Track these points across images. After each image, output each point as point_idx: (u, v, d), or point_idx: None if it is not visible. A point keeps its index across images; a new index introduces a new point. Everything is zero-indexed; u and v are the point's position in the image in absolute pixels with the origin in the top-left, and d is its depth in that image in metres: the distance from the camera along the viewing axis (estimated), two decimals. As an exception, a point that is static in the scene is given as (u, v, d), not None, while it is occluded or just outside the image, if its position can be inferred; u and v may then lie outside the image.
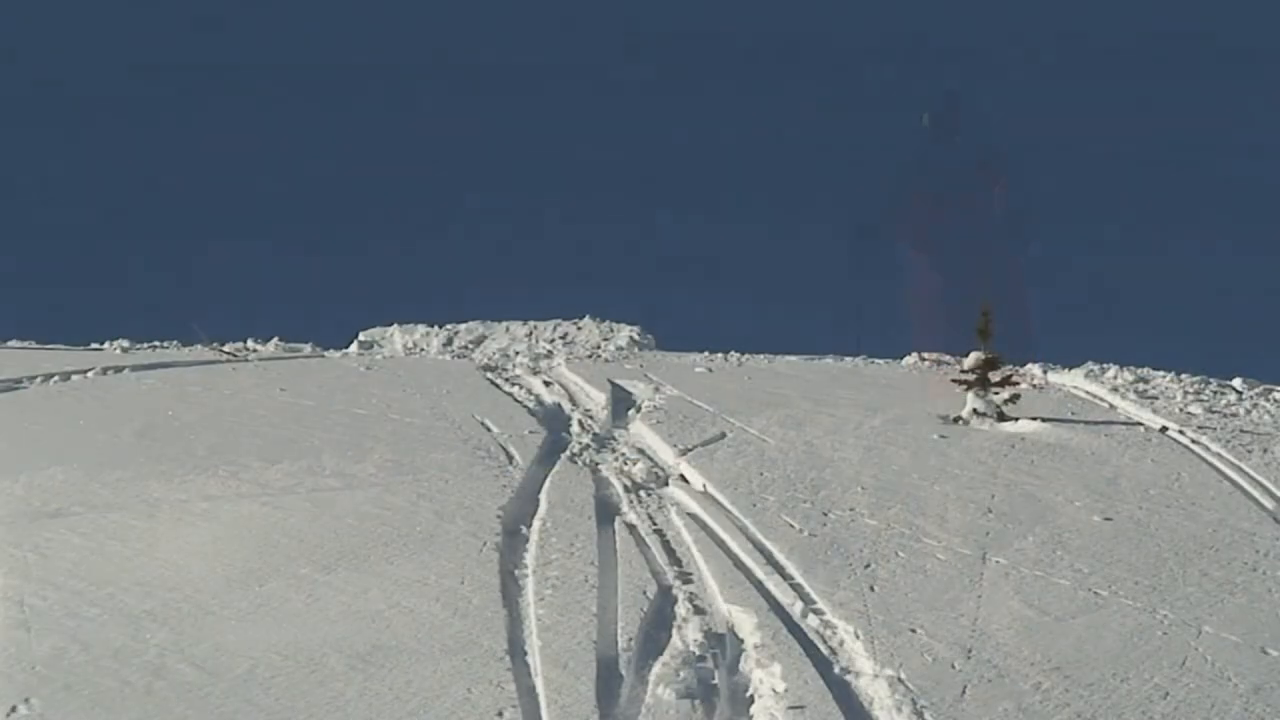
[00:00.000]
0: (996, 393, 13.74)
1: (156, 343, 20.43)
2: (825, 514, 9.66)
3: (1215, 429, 13.16)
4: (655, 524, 9.38)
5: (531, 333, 29.09)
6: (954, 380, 14.40)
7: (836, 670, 6.92)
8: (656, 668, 6.88)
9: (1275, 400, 15.46)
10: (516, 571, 8.25)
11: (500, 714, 6.30)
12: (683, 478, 10.88)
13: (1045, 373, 17.64)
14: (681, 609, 7.69)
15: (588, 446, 11.93)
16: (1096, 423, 13.55)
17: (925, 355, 19.93)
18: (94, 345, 20.07)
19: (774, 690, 6.62)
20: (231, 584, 7.90)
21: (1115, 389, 15.79)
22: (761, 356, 19.60)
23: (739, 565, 8.44)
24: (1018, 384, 14.48)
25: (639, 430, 12.78)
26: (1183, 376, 16.79)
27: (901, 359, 20.01)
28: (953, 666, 6.94)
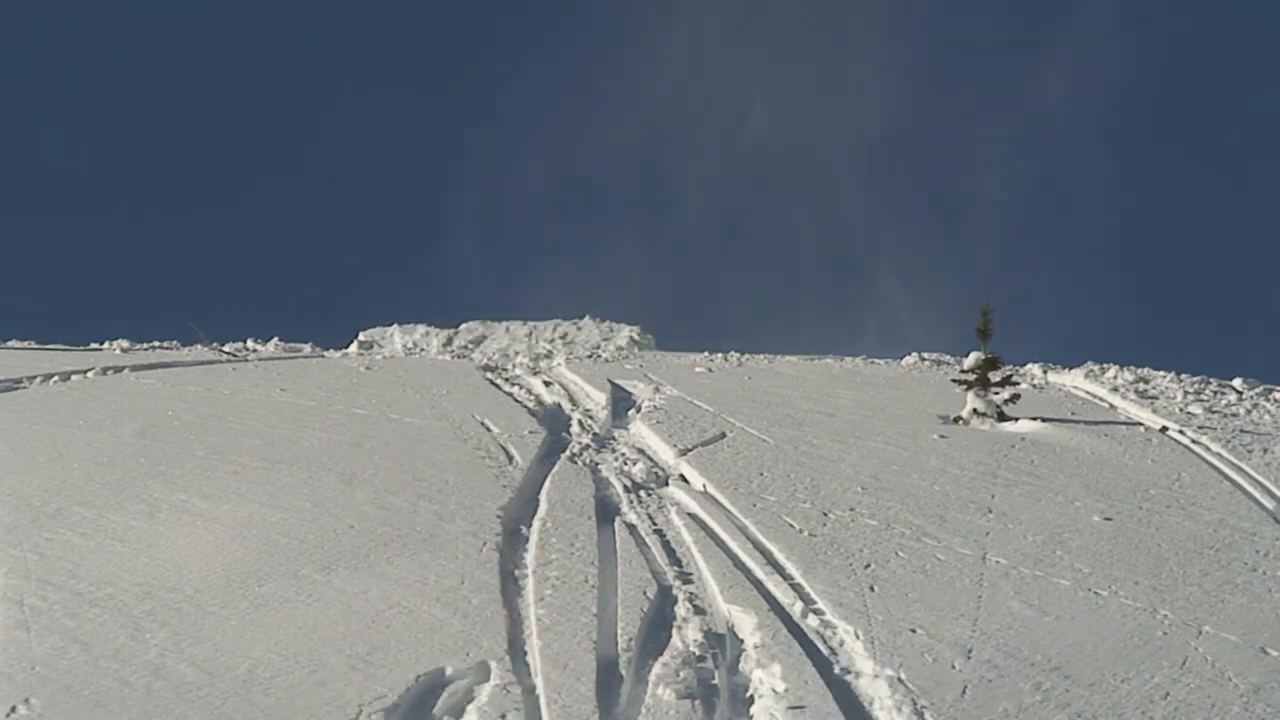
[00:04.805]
0: (996, 393, 13.75)
1: (156, 343, 20.47)
2: (825, 514, 9.66)
3: (1215, 429, 13.16)
4: (655, 524, 9.38)
5: (531, 333, 29.14)
6: (954, 380, 14.42)
7: (836, 670, 6.92)
8: (656, 668, 6.88)
9: (1275, 400, 15.47)
10: (516, 571, 8.24)
11: (502, 715, 6.30)
12: (683, 478, 10.87)
13: (1045, 373, 17.66)
14: (681, 609, 7.69)
15: (588, 446, 11.93)
16: (1096, 423, 13.55)
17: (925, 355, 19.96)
18: (94, 345, 20.10)
19: (774, 690, 6.62)
20: (231, 584, 7.89)
21: (1115, 389, 15.80)
22: (761, 356, 19.62)
23: (739, 565, 8.44)
24: (1018, 384, 14.49)
25: (639, 430, 12.78)
26: (1183, 376, 16.81)
27: (901, 359, 20.04)
28: (953, 666, 6.94)
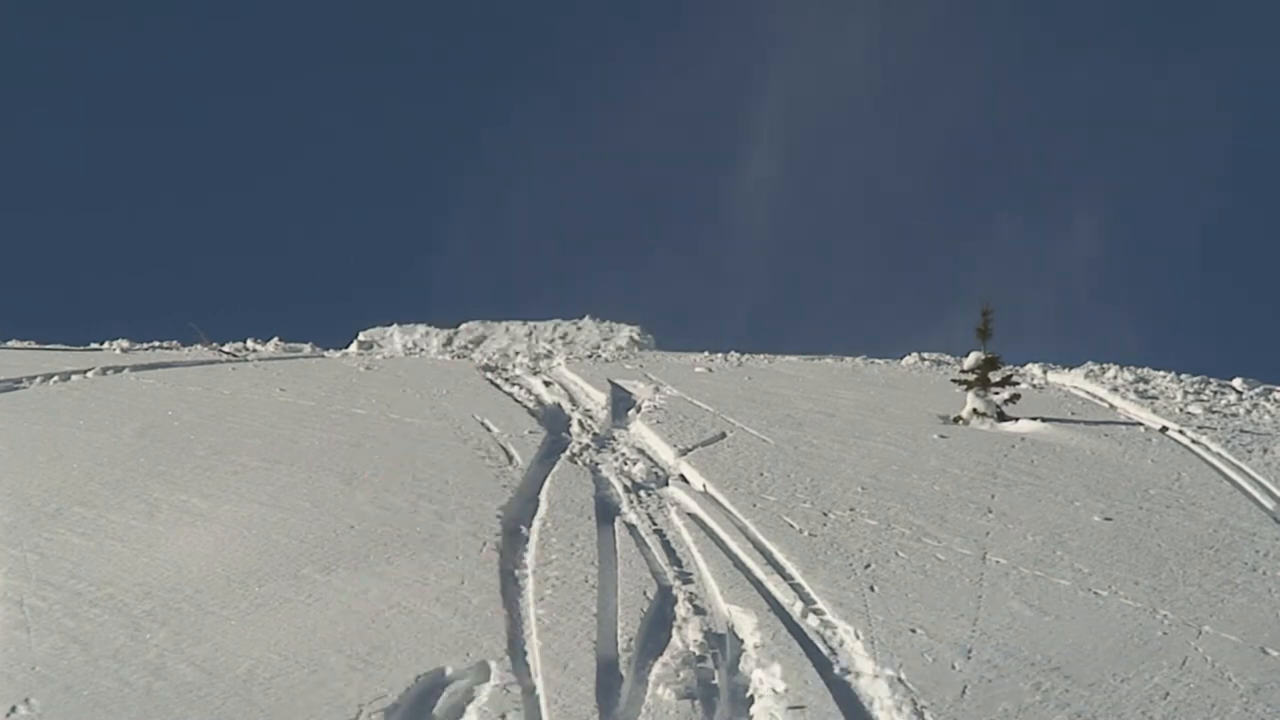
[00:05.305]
0: (996, 393, 13.75)
1: (156, 343, 20.48)
2: (825, 514, 9.66)
3: (1215, 429, 13.16)
4: (655, 524, 9.37)
5: (531, 333, 29.14)
6: (954, 380, 14.42)
7: (836, 670, 6.92)
8: (656, 668, 6.87)
9: (1275, 400, 15.47)
10: (516, 571, 8.24)
11: (502, 715, 6.30)
12: (683, 478, 10.87)
13: (1045, 373, 17.66)
14: (681, 609, 7.69)
15: (588, 446, 11.93)
16: (1096, 423, 13.55)
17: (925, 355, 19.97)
18: (94, 345, 20.11)
19: (774, 690, 6.61)
20: (231, 584, 7.89)
21: (1115, 389, 15.80)
22: (761, 356, 19.62)
23: (739, 565, 8.44)
24: (1018, 384, 14.49)
25: (639, 430, 12.78)
26: (1183, 376, 16.81)
27: (901, 359, 20.05)
28: (953, 666, 6.94)
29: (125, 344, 19.99)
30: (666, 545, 8.87)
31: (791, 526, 9.31)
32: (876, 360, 19.81)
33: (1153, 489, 10.67)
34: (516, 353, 22.53)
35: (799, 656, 6.95)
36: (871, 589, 8.04)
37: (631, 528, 9.24)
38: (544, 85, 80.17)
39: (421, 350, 26.89)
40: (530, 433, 12.29)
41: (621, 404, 14.26)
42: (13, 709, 6.30)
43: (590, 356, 20.21)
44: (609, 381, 15.51)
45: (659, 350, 23.71)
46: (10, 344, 19.98)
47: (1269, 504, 10.32)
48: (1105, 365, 17.69)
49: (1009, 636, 7.37)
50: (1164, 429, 13.25)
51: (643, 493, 10.29)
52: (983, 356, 13.91)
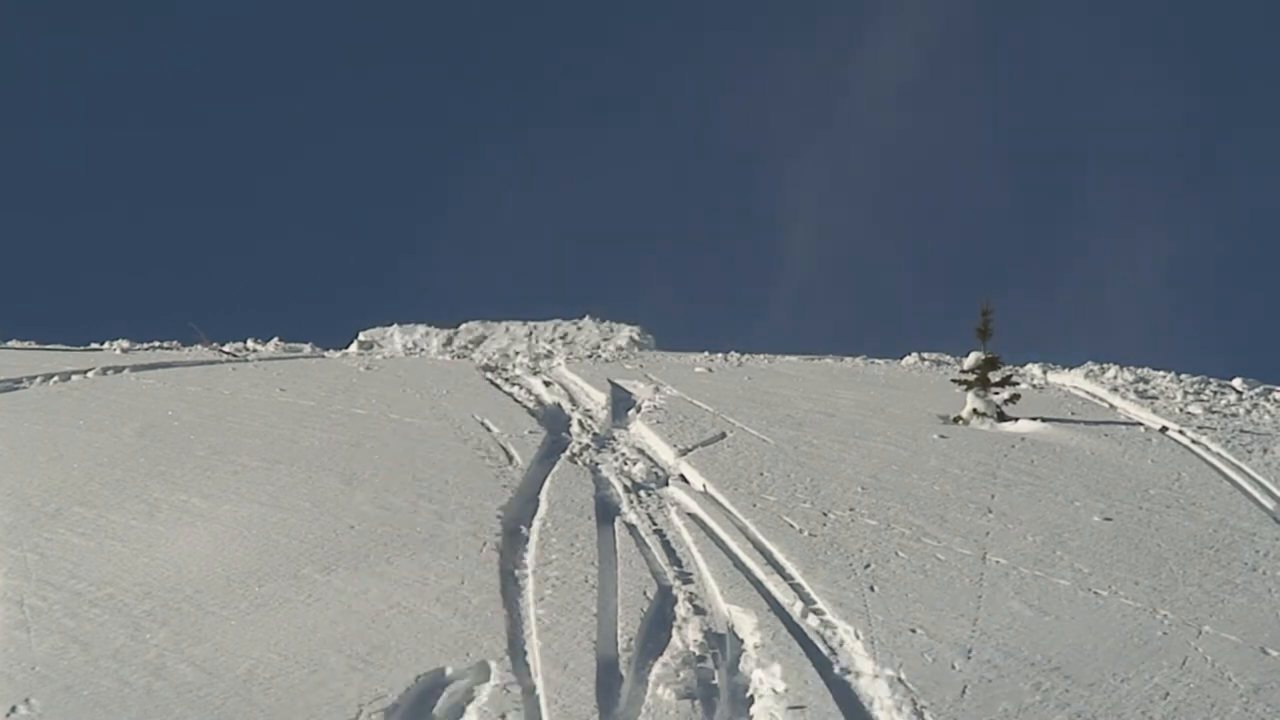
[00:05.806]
0: (996, 393, 13.75)
1: (156, 343, 20.49)
2: (825, 514, 9.66)
3: (1215, 429, 13.16)
4: (655, 524, 9.37)
5: (531, 333, 29.13)
6: (954, 380, 14.42)
7: (836, 670, 6.92)
8: (656, 668, 6.87)
9: (1275, 400, 15.47)
10: (516, 571, 8.24)
11: (502, 715, 6.30)
12: (683, 478, 10.87)
13: (1045, 373, 17.66)
14: (681, 609, 7.69)
15: (588, 446, 11.93)
16: (1096, 423, 13.55)
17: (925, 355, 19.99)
18: (94, 345, 20.11)
19: (774, 690, 6.61)
20: (231, 584, 7.89)
21: (1115, 389, 15.80)
22: (761, 356, 19.63)
23: (739, 565, 8.44)
24: (1018, 384, 14.50)
25: (639, 430, 12.78)
26: (1183, 376, 16.82)
27: (901, 359, 20.06)
28: (953, 666, 6.94)
29: (125, 344, 20.00)
30: (666, 545, 8.87)
31: (791, 526, 9.31)
32: (876, 360, 19.82)
33: (1153, 489, 10.67)
34: (516, 353, 22.53)
35: (799, 656, 6.96)
36: (871, 589, 8.04)
37: (631, 528, 9.24)
38: (544, 84, 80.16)
39: (421, 350, 26.89)
40: (530, 433, 12.29)
41: (621, 404, 14.27)
42: (13, 709, 6.30)
43: (590, 356, 20.21)
44: (609, 381, 15.52)
45: (659, 350, 23.71)
46: (10, 344, 19.99)
47: (1269, 504, 10.32)
48: (1105, 365, 17.70)
49: (1009, 636, 7.37)
50: (1164, 429, 13.25)
51: (643, 493, 10.29)
52: (983, 356, 13.92)
